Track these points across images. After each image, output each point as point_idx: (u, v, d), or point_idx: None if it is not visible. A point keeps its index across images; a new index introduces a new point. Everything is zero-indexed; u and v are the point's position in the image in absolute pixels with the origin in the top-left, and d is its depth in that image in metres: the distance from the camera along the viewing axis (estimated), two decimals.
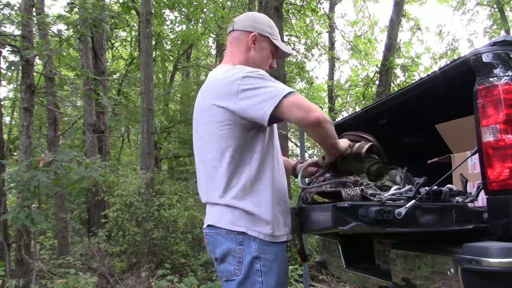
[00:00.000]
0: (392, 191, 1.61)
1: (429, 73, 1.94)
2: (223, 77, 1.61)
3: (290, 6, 9.72)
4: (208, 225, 1.66)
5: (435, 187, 1.57)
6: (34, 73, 4.99)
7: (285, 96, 1.49)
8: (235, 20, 1.82)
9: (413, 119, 2.65)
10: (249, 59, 1.75)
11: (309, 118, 1.49)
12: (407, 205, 1.41)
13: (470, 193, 1.69)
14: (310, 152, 12.05)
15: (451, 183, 1.96)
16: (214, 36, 11.47)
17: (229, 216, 1.58)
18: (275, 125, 1.71)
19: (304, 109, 1.49)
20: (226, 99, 1.55)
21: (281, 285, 1.60)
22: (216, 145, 1.60)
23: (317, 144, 1.76)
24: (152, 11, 8.21)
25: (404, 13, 10.50)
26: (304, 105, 1.49)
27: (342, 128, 2.88)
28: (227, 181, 1.58)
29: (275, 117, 1.51)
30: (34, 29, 5.09)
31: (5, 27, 6.17)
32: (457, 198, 1.63)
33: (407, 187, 1.59)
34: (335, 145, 1.68)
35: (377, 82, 10.15)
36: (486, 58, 1.54)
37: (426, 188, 1.54)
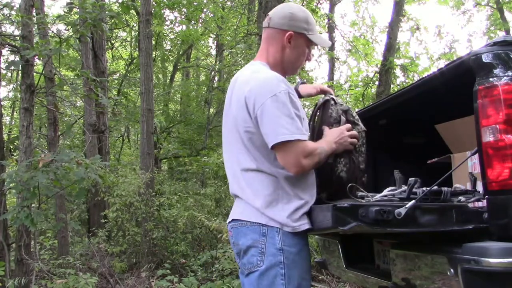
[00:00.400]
0: (385, 192, 1.61)
1: (429, 73, 1.94)
2: (256, 77, 1.64)
3: None
4: (233, 219, 1.69)
5: (435, 187, 1.57)
6: (34, 73, 4.99)
7: (284, 141, 1.54)
8: (271, 15, 1.79)
9: (413, 119, 2.65)
10: (284, 57, 1.75)
11: (290, 171, 1.58)
12: (407, 205, 1.41)
13: (479, 191, 1.69)
14: None
15: (451, 183, 1.96)
16: (214, 36, 11.47)
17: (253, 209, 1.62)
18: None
19: (288, 163, 1.56)
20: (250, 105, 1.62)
21: (304, 280, 1.60)
22: None
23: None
24: (152, 11, 8.21)
25: (404, 13, 10.50)
26: (289, 160, 1.56)
27: None
28: None
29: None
30: (34, 29, 5.09)
31: (5, 27, 6.18)
32: (459, 197, 1.64)
33: (402, 188, 1.60)
34: (328, 153, 1.67)
35: (377, 83, 10.15)
36: (486, 58, 1.55)
37: (426, 188, 1.54)
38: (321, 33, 1.75)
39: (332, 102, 1.82)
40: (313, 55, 1.86)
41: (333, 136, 1.69)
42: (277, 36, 1.74)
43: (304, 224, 1.59)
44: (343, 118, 1.76)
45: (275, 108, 1.55)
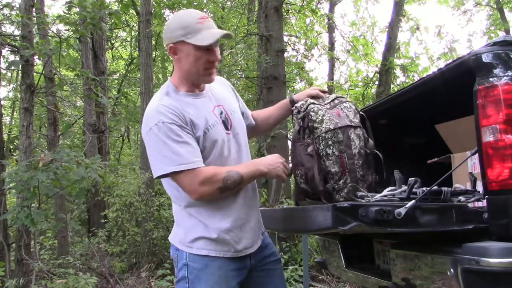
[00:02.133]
0: (385, 192, 1.61)
1: (429, 73, 1.94)
2: (145, 113, 1.65)
3: (290, 6, 9.71)
4: None
5: (435, 187, 1.57)
6: (34, 73, 4.99)
7: (169, 173, 1.56)
8: None
9: (413, 119, 2.65)
10: (182, 70, 1.66)
11: (191, 197, 1.60)
12: (407, 205, 1.41)
13: (479, 191, 1.69)
14: None
15: (451, 183, 1.96)
16: None
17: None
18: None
19: (186, 191, 1.59)
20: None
21: None
22: None
23: None
24: (152, 11, 8.21)
25: (404, 13, 10.50)
26: (185, 188, 1.59)
27: None
28: None
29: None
30: (34, 29, 5.09)
31: (5, 27, 6.17)
32: (459, 197, 1.63)
33: (402, 188, 1.60)
34: (248, 176, 1.64)
35: (377, 83, 10.15)
36: (486, 58, 1.54)
37: (426, 188, 1.54)
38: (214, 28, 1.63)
39: (295, 111, 1.82)
40: (218, 58, 1.68)
41: (267, 160, 1.67)
42: (169, 53, 1.68)
43: (201, 250, 1.64)
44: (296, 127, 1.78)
45: (152, 142, 1.57)
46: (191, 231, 1.65)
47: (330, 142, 1.70)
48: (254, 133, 2.07)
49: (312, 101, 1.80)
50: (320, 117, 1.73)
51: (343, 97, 1.85)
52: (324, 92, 1.89)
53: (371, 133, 1.85)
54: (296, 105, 1.83)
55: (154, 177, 1.60)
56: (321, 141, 1.70)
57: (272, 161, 1.66)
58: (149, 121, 1.58)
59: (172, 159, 1.54)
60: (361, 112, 1.86)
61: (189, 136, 1.58)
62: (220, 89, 1.82)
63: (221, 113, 1.72)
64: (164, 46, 1.73)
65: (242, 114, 1.88)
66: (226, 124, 1.71)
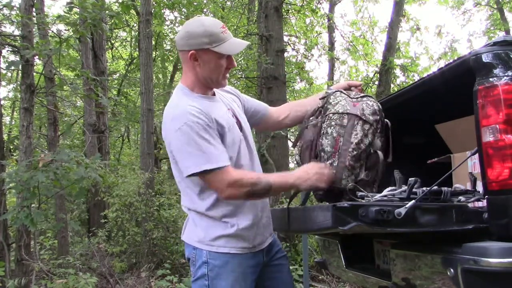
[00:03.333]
0: (385, 192, 1.61)
1: (429, 73, 1.94)
2: (167, 113, 1.69)
3: (290, 6, 9.71)
4: None
5: (435, 187, 1.57)
6: (34, 73, 4.99)
7: (200, 172, 1.59)
8: (175, 38, 1.77)
9: (413, 119, 2.65)
10: (198, 75, 1.70)
11: (220, 196, 1.64)
12: (407, 205, 1.41)
13: (479, 191, 1.69)
14: None
15: (451, 183, 1.96)
16: None
17: None
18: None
19: (215, 190, 1.64)
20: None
21: None
22: None
23: None
24: (152, 11, 8.21)
25: (404, 13, 10.50)
26: (214, 187, 1.63)
27: None
28: None
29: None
30: (34, 29, 5.09)
31: (5, 27, 6.18)
32: (459, 197, 1.63)
33: (402, 188, 1.60)
34: (280, 187, 1.70)
35: (377, 82, 10.15)
36: (486, 58, 1.54)
37: (426, 188, 1.54)
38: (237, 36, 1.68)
39: (322, 96, 1.86)
40: (235, 65, 1.79)
41: (298, 172, 1.68)
42: (184, 57, 1.70)
43: (222, 248, 1.67)
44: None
45: (181, 141, 1.60)
46: (211, 230, 1.68)
47: (333, 123, 1.73)
48: (277, 124, 2.10)
49: (341, 91, 1.84)
50: (337, 101, 1.78)
51: (372, 98, 1.85)
52: (356, 86, 1.94)
53: (390, 142, 1.85)
54: (327, 90, 1.87)
55: (185, 175, 1.62)
56: (326, 120, 1.75)
57: (303, 173, 1.66)
58: (178, 120, 1.60)
59: (203, 158, 1.57)
60: (386, 120, 1.84)
61: (216, 136, 1.63)
62: (225, 94, 1.88)
63: (233, 116, 1.79)
64: (179, 50, 1.72)
65: (248, 110, 1.97)
66: (239, 126, 1.79)
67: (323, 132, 1.74)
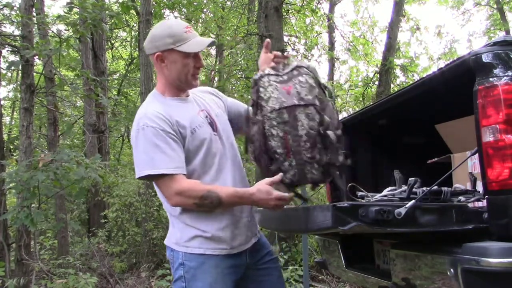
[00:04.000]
0: (385, 192, 1.61)
1: (429, 73, 1.94)
2: (137, 114, 1.70)
3: (290, 6, 9.71)
4: None
5: (435, 187, 1.57)
6: (34, 73, 4.99)
7: (151, 175, 1.60)
8: (144, 45, 1.78)
9: (413, 119, 2.65)
10: (168, 77, 1.71)
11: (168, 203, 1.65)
12: (407, 205, 1.41)
13: (479, 191, 1.69)
14: None
15: (451, 183, 1.96)
16: (214, 36, 11.46)
17: None
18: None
19: (164, 195, 1.65)
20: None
21: None
22: None
23: None
24: (152, 11, 8.20)
25: (404, 13, 10.50)
26: (163, 193, 1.64)
27: (343, 128, 2.89)
28: None
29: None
30: (34, 29, 5.09)
31: (5, 27, 6.18)
32: (459, 197, 1.63)
33: (402, 188, 1.59)
34: (229, 202, 1.63)
35: (377, 83, 10.15)
36: (486, 58, 1.55)
37: (426, 188, 1.54)
38: (202, 35, 1.63)
39: (252, 83, 1.70)
40: (202, 65, 1.76)
41: (257, 195, 1.60)
42: (153, 61, 1.73)
43: (197, 249, 1.66)
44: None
45: (136, 145, 1.62)
46: (186, 231, 1.68)
47: (274, 123, 1.59)
48: None
49: (268, 71, 1.68)
50: (268, 94, 1.62)
51: (303, 67, 1.68)
52: (281, 58, 1.74)
53: (336, 111, 1.69)
54: (254, 77, 1.71)
55: (136, 178, 1.65)
56: (266, 121, 1.61)
57: (264, 195, 1.59)
58: (136, 124, 1.64)
59: (149, 163, 1.58)
60: (325, 84, 1.69)
61: (173, 142, 1.61)
62: (203, 96, 1.88)
63: (206, 116, 1.77)
64: (148, 54, 1.75)
65: (230, 112, 1.92)
66: (212, 126, 1.76)
67: (268, 135, 1.61)
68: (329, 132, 1.60)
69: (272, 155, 1.62)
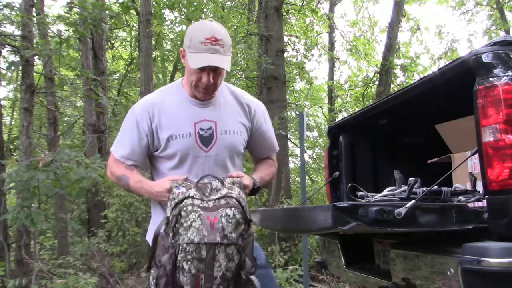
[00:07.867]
0: (385, 192, 1.61)
1: (429, 73, 1.94)
2: None
3: (290, 6, 9.71)
4: None
5: (435, 187, 1.57)
6: (34, 73, 4.99)
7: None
8: None
9: (413, 119, 2.65)
10: (186, 75, 1.74)
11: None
12: (407, 205, 1.41)
13: (479, 191, 1.69)
14: (310, 152, 12.05)
15: (451, 183, 1.96)
16: None
17: None
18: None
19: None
20: None
21: None
22: None
23: None
24: (152, 11, 8.20)
25: (404, 13, 10.50)
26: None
27: (343, 128, 2.89)
28: None
29: None
30: (34, 29, 5.09)
31: (5, 27, 6.17)
32: (459, 197, 1.63)
33: (402, 188, 1.59)
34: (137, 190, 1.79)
35: (377, 83, 10.15)
36: (486, 58, 1.54)
37: (426, 188, 1.54)
38: (213, 52, 1.58)
39: (171, 197, 1.56)
40: (210, 81, 1.63)
41: (153, 188, 1.69)
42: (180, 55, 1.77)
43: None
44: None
45: (124, 120, 1.82)
46: (152, 228, 1.73)
47: (189, 257, 1.45)
48: None
49: (193, 193, 1.52)
50: (189, 223, 1.46)
51: (232, 197, 1.53)
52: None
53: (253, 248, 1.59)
54: (174, 190, 1.57)
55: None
56: (180, 251, 1.45)
57: (155, 191, 1.68)
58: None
59: (116, 141, 1.82)
60: (251, 218, 1.58)
61: (138, 134, 1.74)
62: (233, 106, 1.79)
63: (209, 128, 1.71)
64: None
65: (251, 139, 1.84)
66: (206, 141, 1.70)
67: (178, 266, 1.46)
68: (252, 277, 1.52)
69: None
